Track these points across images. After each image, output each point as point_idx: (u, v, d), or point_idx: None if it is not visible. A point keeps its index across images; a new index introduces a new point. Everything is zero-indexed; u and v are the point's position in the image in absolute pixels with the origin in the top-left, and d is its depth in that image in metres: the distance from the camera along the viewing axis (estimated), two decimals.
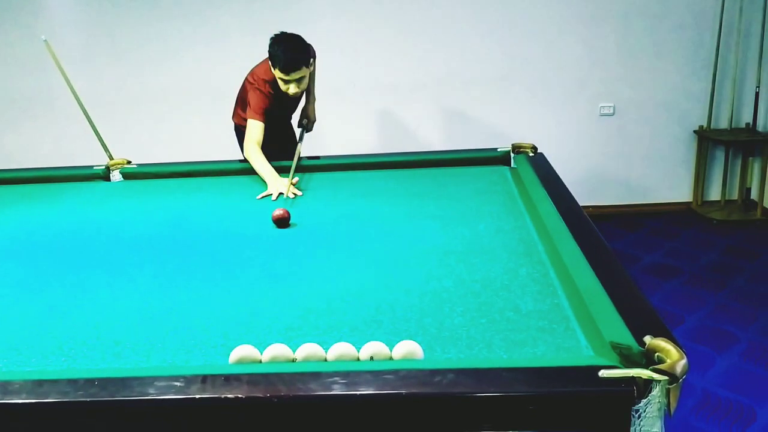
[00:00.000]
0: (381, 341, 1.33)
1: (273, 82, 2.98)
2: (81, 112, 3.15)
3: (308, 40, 3.13)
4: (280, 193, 2.60)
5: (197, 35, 4.67)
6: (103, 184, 2.92)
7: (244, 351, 1.32)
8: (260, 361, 1.30)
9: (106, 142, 3.18)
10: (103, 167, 2.98)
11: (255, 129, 2.97)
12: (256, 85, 3.02)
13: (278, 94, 3.00)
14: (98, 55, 4.71)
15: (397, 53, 4.71)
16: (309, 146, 4.31)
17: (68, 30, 4.68)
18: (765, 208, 4.65)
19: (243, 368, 1.25)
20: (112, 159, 3.06)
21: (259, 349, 1.33)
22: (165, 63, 4.72)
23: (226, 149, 4.08)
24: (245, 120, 3.10)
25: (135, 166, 3.01)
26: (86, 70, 4.63)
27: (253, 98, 3.01)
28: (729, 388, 2.81)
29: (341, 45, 4.57)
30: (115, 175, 2.95)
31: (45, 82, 4.64)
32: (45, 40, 3.09)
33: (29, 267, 1.96)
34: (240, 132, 3.33)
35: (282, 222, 2.22)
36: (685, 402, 2.72)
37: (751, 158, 4.69)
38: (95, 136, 3.17)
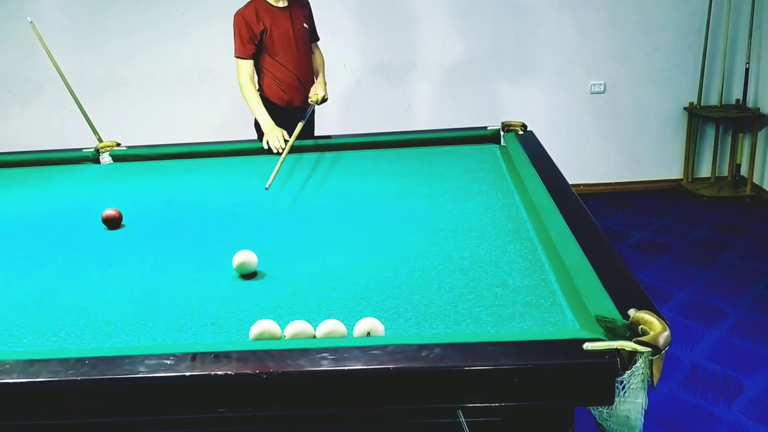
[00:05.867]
0: (370, 318, 1.35)
1: (248, 9, 3.13)
2: (69, 94, 3.14)
3: None
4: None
5: (185, 17, 4.64)
6: (92, 166, 2.91)
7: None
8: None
9: (95, 125, 3.17)
10: (93, 150, 2.97)
11: (242, 67, 3.19)
12: (233, 22, 3.16)
13: (261, 15, 3.12)
14: (86, 36, 4.68)
15: (387, 33, 4.69)
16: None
17: (54, 11, 4.64)
18: (755, 184, 4.67)
19: (234, 345, 1.27)
20: (102, 141, 3.05)
21: (250, 327, 1.34)
22: (153, 45, 4.69)
23: (215, 130, 4.07)
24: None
25: (124, 148, 3.01)
26: (74, 52, 4.60)
27: (234, 33, 3.16)
28: (717, 361, 2.85)
29: (331, 26, 4.55)
30: (105, 158, 2.95)
31: (33, 65, 4.61)
32: (31, 22, 3.07)
33: (19, 249, 1.96)
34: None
35: (111, 222, 2.08)
36: (673, 376, 2.75)
37: (741, 135, 4.71)
38: (84, 118, 3.16)
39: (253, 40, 3.14)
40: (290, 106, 3.28)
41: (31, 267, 1.82)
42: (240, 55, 3.17)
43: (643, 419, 1.19)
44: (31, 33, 3.15)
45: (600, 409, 1.20)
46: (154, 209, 2.29)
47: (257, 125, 3.31)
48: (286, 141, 2.92)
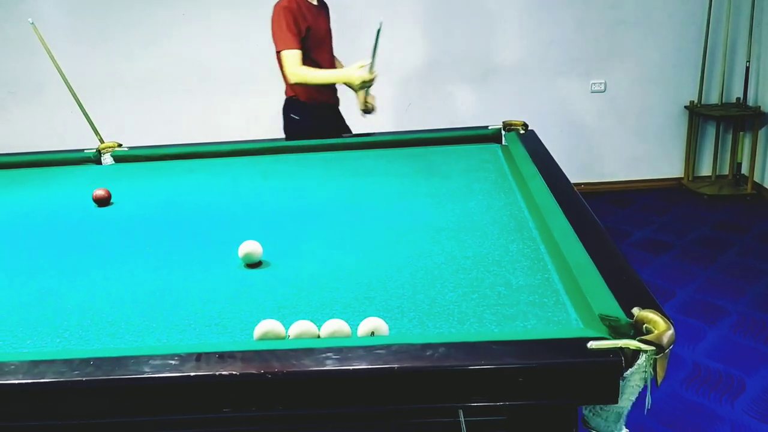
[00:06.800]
0: (374, 317, 1.35)
1: (291, 3, 3.04)
2: (70, 95, 3.14)
3: None
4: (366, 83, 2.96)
5: (185, 16, 4.64)
6: (94, 167, 2.91)
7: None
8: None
9: (96, 126, 3.17)
10: (94, 151, 2.97)
11: (292, 57, 3.01)
12: (276, 16, 3.05)
13: (304, 12, 3.07)
14: (86, 37, 4.68)
15: (386, 33, 4.68)
16: None
17: (55, 12, 4.64)
18: (755, 182, 4.68)
19: (239, 346, 1.27)
20: (103, 142, 3.05)
21: (254, 327, 1.34)
22: (154, 45, 4.69)
23: (216, 130, 4.06)
24: (291, 87, 3.19)
25: (126, 149, 3.00)
26: (75, 52, 4.60)
27: (277, 27, 3.04)
28: (719, 360, 2.85)
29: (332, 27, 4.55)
30: (106, 159, 2.95)
31: (33, 66, 4.61)
32: (32, 23, 3.07)
33: (22, 251, 1.96)
34: (289, 105, 3.31)
35: (102, 201, 2.31)
36: (675, 374, 2.75)
37: (741, 133, 4.71)
38: (85, 119, 3.15)
39: (299, 35, 3.07)
40: (323, 105, 3.29)
41: (34, 268, 1.82)
42: (289, 46, 3.02)
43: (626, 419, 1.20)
44: (31, 34, 3.15)
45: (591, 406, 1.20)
46: (157, 210, 2.29)
47: (288, 128, 3.30)
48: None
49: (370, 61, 2.95)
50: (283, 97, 3.33)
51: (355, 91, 3.20)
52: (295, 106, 3.23)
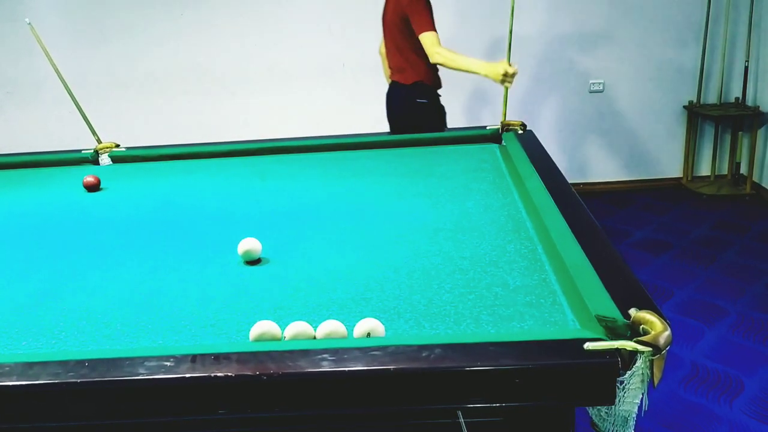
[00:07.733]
0: (370, 318, 1.35)
1: None
2: (68, 95, 3.13)
3: (294, 20, 3.15)
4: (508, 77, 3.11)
5: (184, 17, 4.64)
6: (91, 168, 2.90)
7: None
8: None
9: (93, 126, 3.16)
10: (92, 151, 2.97)
11: (434, 37, 3.23)
12: (416, 3, 3.23)
13: None
14: (84, 37, 4.68)
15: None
16: (298, 128, 4.33)
17: (53, 12, 4.64)
18: (754, 182, 4.67)
19: (234, 347, 1.26)
20: (101, 143, 3.04)
21: (249, 328, 1.34)
22: (152, 45, 4.68)
23: (214, 131, 4.05)
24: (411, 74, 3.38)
25: (123, 149, 3.00)
26: (72, 53, 4.60)
27: (422, 14, 3.24)
28: (717, 360, 2.85)
29: (329, 25, 4.55)
30: (104, 159, 2.94)
31: (31, 66, 4.61)
32: (29, 23, 3.06)
33: (19, 251, 1.96)
34: (396, 90, 3.48)
35: (92, 188, 2.46)
36: (674, 374, 2.75)
37: (740, 133, 4.71)
38: (83, 119, 3.15)
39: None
40: (437, 88, 3.47)
41: (30, 268, 1.81)
42: (429, 28, 3.24)
43: (635, 420, 1.19)
44: (29, 34, 3.15)
45: (598, 408, 1.20)
46: (154, 210, 2.29)
47: (414, 113, 3.44)
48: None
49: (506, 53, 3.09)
50: (386, 84, 3.55)
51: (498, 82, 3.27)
52: (421, 90, 3.41)
